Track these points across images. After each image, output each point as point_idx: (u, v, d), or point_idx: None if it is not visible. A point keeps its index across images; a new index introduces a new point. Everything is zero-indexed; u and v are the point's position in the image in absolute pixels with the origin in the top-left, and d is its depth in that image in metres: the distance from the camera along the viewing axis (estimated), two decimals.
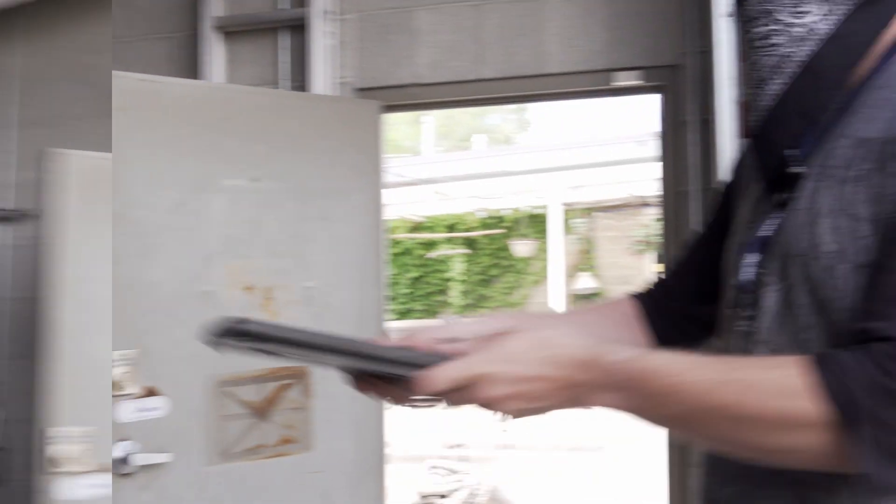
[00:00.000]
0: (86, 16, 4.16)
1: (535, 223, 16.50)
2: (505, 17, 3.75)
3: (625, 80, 3.61)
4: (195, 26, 4.02)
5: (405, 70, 3.87)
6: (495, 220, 16.94)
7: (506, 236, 16.83)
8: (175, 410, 3.19)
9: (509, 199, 16.17)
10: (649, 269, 15.26)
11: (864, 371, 0.93)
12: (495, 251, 17.02)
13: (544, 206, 15.99)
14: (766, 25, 1.11)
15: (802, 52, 1.09)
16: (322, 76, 3.82)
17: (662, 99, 3.70)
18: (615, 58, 3.65)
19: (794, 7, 1.09)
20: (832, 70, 1.10)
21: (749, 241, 1.19)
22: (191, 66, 4.04)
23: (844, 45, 1.09)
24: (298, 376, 3.42)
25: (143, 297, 3.17)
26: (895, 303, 0.97)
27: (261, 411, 3.36)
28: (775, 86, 1.11)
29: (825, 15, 1.09)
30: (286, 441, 3.41)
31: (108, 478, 3.09)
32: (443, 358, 1.03)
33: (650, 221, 15.22)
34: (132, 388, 3.11)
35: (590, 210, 16.55)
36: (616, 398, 1.02)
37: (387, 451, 3.72)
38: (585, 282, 16.13)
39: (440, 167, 16.08)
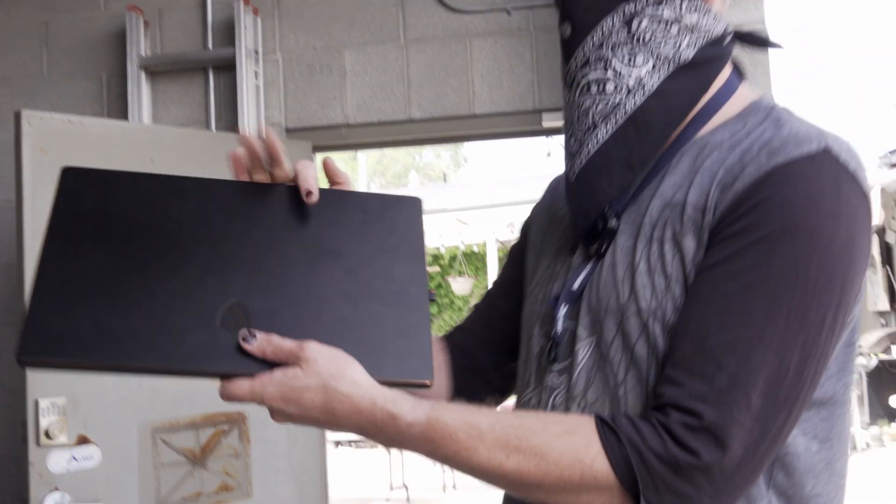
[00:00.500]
0: None
1: (473, 260, 16.57)
2: (433, 58, 3.80)
3: (553, 120, 3.67)
4: (122, 66, 4.00)
5: (334, 111, 3.89)
6: (432, 258, 16.97)
7: (443, 273, 16.86)
8: (108, 459, 3.14)
9: (446, 236, 16.22)
10: None
11: (653, 439, 0.95)
12: (433, 288, 17.03)
13: (482, 243, 16.06)
14: (602, 71, 1.11)
15: (630, 103, 1.10)
16: (251, 116, 3.83)
17: None
18: (542, 98, 3.72)
19: (628, 57, 1.10)
20: (656, 126, 1.10)
21: (561, 292, 1.17)
22: (118, 107, 4.02)
23: (667, 103, 1.10)
24: (235, 421, 3.39)
25: None
26: (687, 370, 0.98)
27: (197, 458, 3.32)
28: (602, 133, 1.11)
29: (651, 70, 1.10)
30: (225, 488, 3.36)
31: (93, 450, 3.06)
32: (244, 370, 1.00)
33: None
34: (63, 437, 3.06)
35: None
36: (407, 448, 1.02)
37: (329, 494, 3.69)
38: None
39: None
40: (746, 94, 1.18)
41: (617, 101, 1.10)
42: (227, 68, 3.92)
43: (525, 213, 1.50)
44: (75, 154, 3.18)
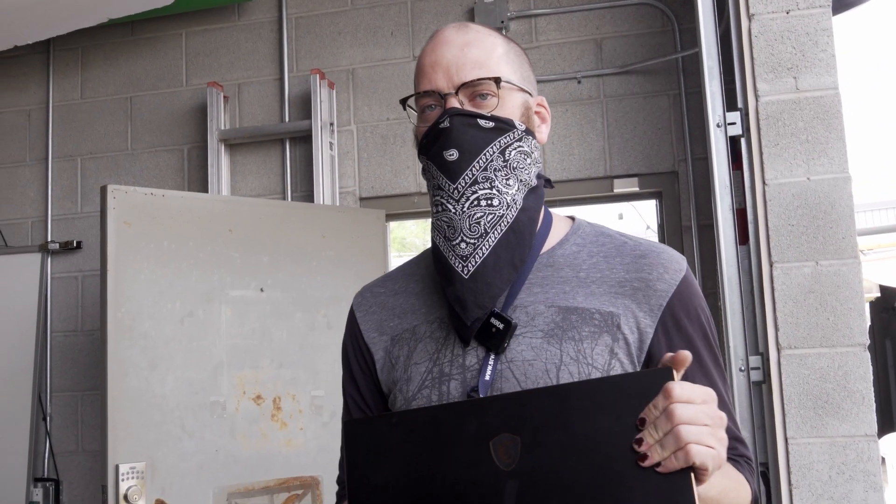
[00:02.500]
0: (126, 52, 4.30)
1: None
2: None
3: (623, 186, 3.69)
4: (202, 139, 4.14)
5: (407, 179, 3.96)
6: None
7: None
8: None
9: None
10: None
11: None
12: None
13: None
14: (488, 189, 1.33)
15: (510, 215, 1.34)
16: (326, 186, 3.92)
17: (659, 205, 3.78)
18: (613, 165, 3.75)
19: (505, 179, 1.34)
20: (525, 234, 1.36)
21: (475, 386, 1.32)
22: (198, 178, 4.15)
23: (528, 217, 1.36)
24: (309, 486, 3.42)
25: (153, 409, 3.19)
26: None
27: None
28: (492, 238, 1.33)
29: (517, 190, 1.35)
30: None
31: None
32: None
33: None
34: (142, 502, 3.11)
35: None
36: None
37: None
38: None
39: None
40: (559, 216, 1.48)
41: (500, 213, 1.33)
42: (302, 140, 4.03)
43: None
44: (157, 225, 3.28)
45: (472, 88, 1.36)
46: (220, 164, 4.08)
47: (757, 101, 2.82)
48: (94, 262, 4.20)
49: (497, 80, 1.36)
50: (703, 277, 3.59)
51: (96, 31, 4.19)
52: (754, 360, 2.81)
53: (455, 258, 1.34)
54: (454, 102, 1.36)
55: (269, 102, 4.15)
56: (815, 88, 2.80)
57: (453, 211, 1.35)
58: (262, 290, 3.47)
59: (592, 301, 1.34)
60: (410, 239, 19.96)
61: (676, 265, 1.37)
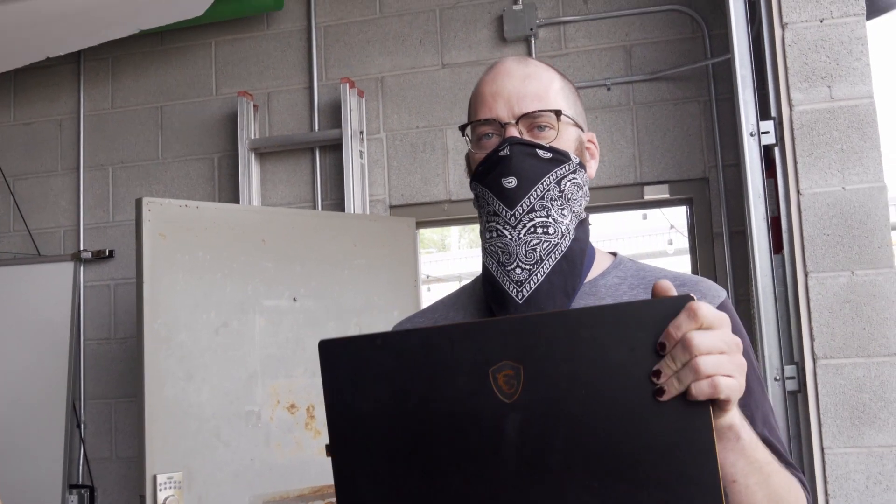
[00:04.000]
0: (155, 62, 4.34)
1: None
2: None
3: (653, 193, 3.69)
4: (233, 148, 4.16)
5: (437, 187, 3.98)
6: None
7: None
8: None
9: None
10: None
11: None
12: None
13: None
14: (545, 218, 1.37)
15: (564, 244, 1.37)
16: (356, 194, 3.94)
17: (689, 211, 3.78)
18: (644, 171, 3.75)
19: (560, 209, 1.38)
20: (577, 264, 1.40)
21: None
22: (229, 186, 4.18)
23: (580, 247, 1.40)
24: None
25: (189, 418, 3.22)
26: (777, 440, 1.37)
27: None
28: (546, 266, 1.37)
29: (570, 220, 1.39)
30: None
31: None
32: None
33: None
34: None
35: None
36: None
37: None
38: None
39: (467, 263, 16.20)
40: (601, 250, 1.52)
41: (555, 241, 1.37)
42: (332, 148, 4.06)
43: None
44: (192, 237, 3.31)
45: (532, 120, 1.40)
46: (251, 174, 4.10)
47: (791, 110, 2.82)
48: (127, 271, 4.24)
49: (557, 113, 1.40)
50: (735, 284, 3.59)
51: (126, 41, 4.22)
52: (790, 370, 2.81)
53: (510, 283, 1.37)
54: (514, 132, 1.39)
55: (299, 111, 4.18)
56: (849, 97, 2.79)
57: (509, 237, 1.38)
58: (295, 299, 3.50)
59: None
60: (429, 236, 19.98)
61: (716, 292, 1.41)
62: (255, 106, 4.17)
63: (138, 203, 3.26)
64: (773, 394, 2.80)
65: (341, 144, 3.97)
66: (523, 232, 1.37)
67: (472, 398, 1.01)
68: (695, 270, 3.72)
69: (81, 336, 4.29)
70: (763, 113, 2.92)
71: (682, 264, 11.67)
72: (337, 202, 4.03)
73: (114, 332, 4.28)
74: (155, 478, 3.13)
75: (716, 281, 3.61)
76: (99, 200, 4.39)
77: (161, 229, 3.27)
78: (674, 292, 1.00)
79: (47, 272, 4.30)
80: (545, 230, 1.36)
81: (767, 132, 2.88)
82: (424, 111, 4.02)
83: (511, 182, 1.38)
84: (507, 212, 1.38)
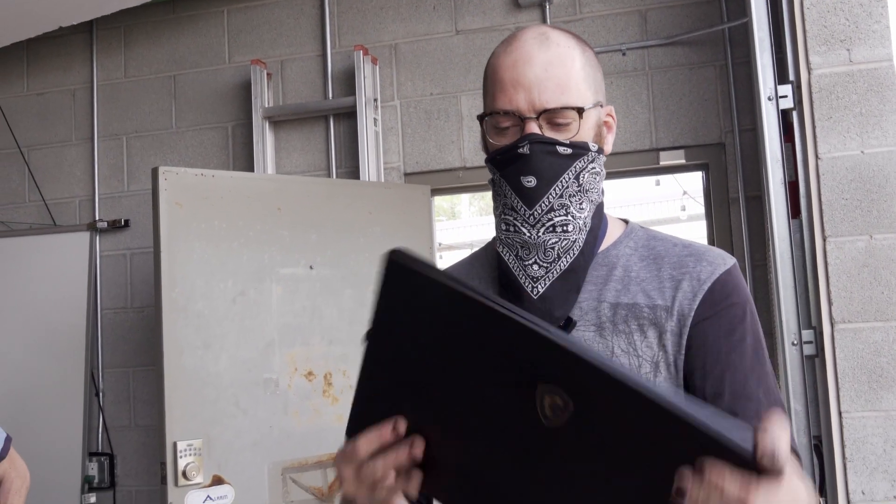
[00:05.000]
0: (168, 30, 4.34)
1: None
2: None
3: (669, 159, 3.67)
4: (246, 116, 4.16)
5: (451, 154, 3.97)
6: None
7: None
8: (241, 498, 3.24)
9: None
10: None
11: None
12: None
13: None
14: (564, 216, 1.36)
15: (580, 239, 1.37)
16: (370, 162, 3.93)
17: (705, 176, 3.77)
18: (659, 137, 3.73)
19: (579, 203, 1.36)
20: (588, 253, 1.39)
21: None
22: (243, 155, 4.18)
23: (593, 234, 1.39)
24: None
25: (207, 386, 3.24)
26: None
27: (325, 496, 3.40)
28: (563, 263, 1.37)
29: (589, 211, 1.38)
30: None
31: (227, 489, 3.19)
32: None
33: None
34: (199, 478, 3.17)
35: None
36: None
37: None
38: None
39: (478, 231, 16.21)
40: (613, 218, 1.50)
41: (574, 238, 1.36)
42: (346, 116, 4.05)
43: None
44: (208, 205, 3.32)
45: (553, 114, 1.34)
46: (265, 142, 4.10)
47: (809, 74, 2.80)
48: (142, 240, 4.25)
49: (580, 111, 1.35)
50: (752, 249, 3.58)
51: (138, 9, 4.20)
52: (807, 335, 2.81)
53: (525, 278, 1.38)
54: (534, 127, 1.34)
55: (313, 79, 4.16)
56: (868, 60, 2.77)
57: (528, 235, 1.37)
58: (311, 267, 3.51)
59: (641, 297, 1.37)
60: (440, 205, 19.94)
61: (721, 260, 1.39)
62: (268, 74, 4.16)
63: (154, 172, 3.26)
64: (791, 358, 2.81)
65: (355, 112, 3.96)
66: (542, 231, 1.36)
67: (511, 404, 0.98)
68: (710, 236, 3.71)
69: (98, 306, 4.32)
70: (781, 77, 2.90)
71: (695, 230, 11.63)
72: (351, 170, 4.03)
73: (130, 302, 4.31)
74: (175, 445, 3.16)
75: (731, 247, 3.60)
76: (113, 170, 4.40)
77: (177, 198, 3.27)
78: (766, 442, 0.84)
79: (63, 242, 4.32)
80: (564, 228, 1.36)
81: (785, 96, 2.86)
82: (438, 78, 4.00)
83: (531, 182, 1.35)
84: (525, 211, 1.37)
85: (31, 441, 3.34)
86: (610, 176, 3.96)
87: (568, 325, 1.36)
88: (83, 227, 4.35)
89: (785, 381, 2.81)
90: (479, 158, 3.89)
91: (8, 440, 2.87)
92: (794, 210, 2.87)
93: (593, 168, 1.38)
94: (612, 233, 1.46)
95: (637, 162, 3.79)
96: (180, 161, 4.26)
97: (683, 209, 13.56)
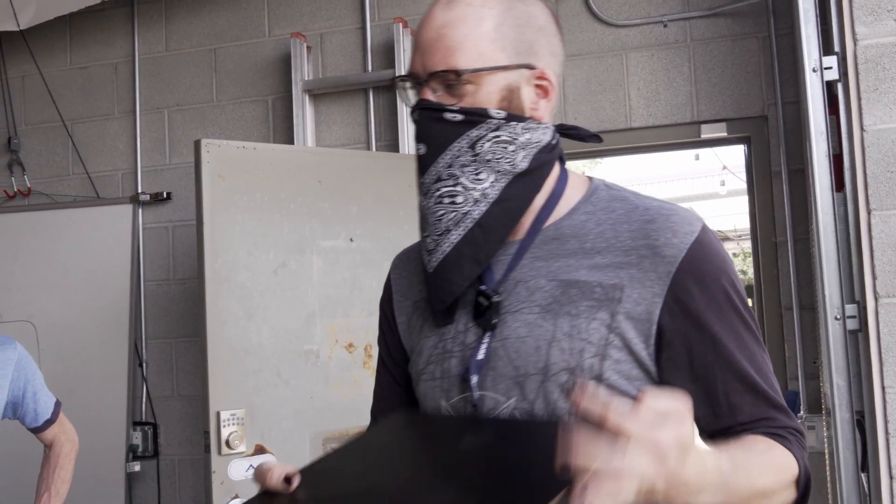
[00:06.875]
0: (208, 3, 4.41)
1: None
2: (588, 73, 3.83)
3: (710, 132, 3.64)
4: (286, 90, 4.17)
5: None
6: None
7: None
8: None
9: None
10: None
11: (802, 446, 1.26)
12: None
13: None
14: (451, 187, 1.29)
15: (477, 211, 1.29)
16: (409, 135, 3.94)
17: (747, 150, 3.74)
18: (700, 110, 3.70)
19: (475, 174, 1.29)
20: (497, 228, 1.30)
21: (469, 366, 1.31)
22: (283, 128, 4.20)
23: (505, 207, 1.30)
24: None
25: (250, 357, 3.29)
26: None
27: None
28: (454, 236, 1.30)
29: (493, 182, 1.29)
30: None
31: (269, 458, 3.24)
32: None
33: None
34: (242, 447, 3.22)
35: None
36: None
37: None
38: None
39: None
40: (578, 180, 1.39)
41: (465, 210, 1.29)
42: (386, 89, 4.05)
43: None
44: (249, 177, 3.35)
45: (442, 77, 1.28)
46: (305, 115, 4.12)
47: (855, 44, 2.76)
48: (184, 213, 4.30)
49: (457, 73, 1.27)
50: (794, 223, 3.55)
51: None
52: (850, 309, 2.79)
53: (423, 251, 1.34)
54: (427, 92, 1.30)
55: (352, 52, 4.17)
56: None
57: (423, 204, 1.33)
58: (351, 239, 3.53)
59: (595, 274, 1.27)
60: None
61: (687, 227, 1.26)
62: (308, 47, 4.17)
63: (197, 145, 3.29)
64: (834, 333, 2.79)
65: (394, 85, 3.96)
66: (432, 202, 1.31)
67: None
68: (752, 209, 3.69)
69: (141, 277, 4.37)
70: (825, 48, 2.86)
71: (735, 206, 11.50)
72: (391, 143, 4.04)
73: (173, 274, 4.36)
74: (219, 414, 3.21)
75: (773, 220, 3.58)
76: (155, 143, 4.44)
77: (219, 170, 3.30)
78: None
79: (107, 214, 4.37)
80: (452, 200, 1.29)
81: (830, 67, 2.82)
82: None
83: (421, 149, 1.32)
84: (419, 179, 1.33)
85: (78, 410, 3.41)
86: (651, 149, 3.96)
87: (489, 304, 1.30)
88: (126, 199, 4.40)
89: (827, 356, 2.79)
90: None
91: (58, 405, 2.93)
92: (838, 183, 2.84)
93: (498, 137, 1.28)
94: (571, 197, 1.36)
95: (678, 135, 3.77)
96: (221, 134, 4.29)
97: (723, 184, 13.42)
